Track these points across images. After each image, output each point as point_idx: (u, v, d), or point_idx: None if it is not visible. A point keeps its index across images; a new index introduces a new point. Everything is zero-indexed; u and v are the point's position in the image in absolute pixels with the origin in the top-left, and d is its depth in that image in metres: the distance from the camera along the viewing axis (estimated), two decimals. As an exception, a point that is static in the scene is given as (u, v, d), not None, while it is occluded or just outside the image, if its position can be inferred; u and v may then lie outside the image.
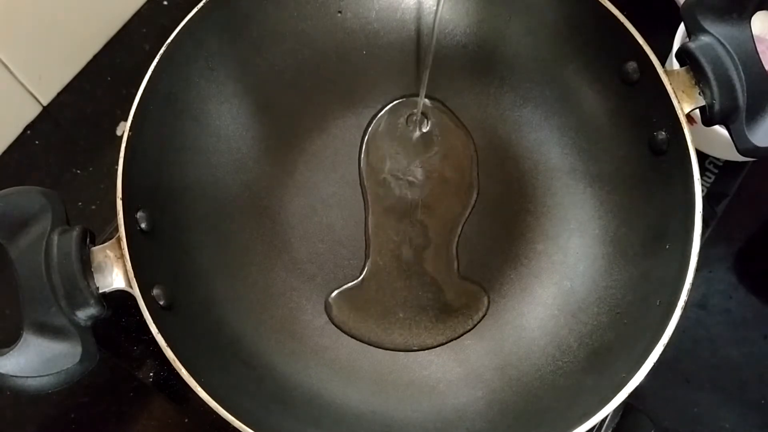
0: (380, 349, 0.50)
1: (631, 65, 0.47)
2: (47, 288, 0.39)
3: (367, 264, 0.51)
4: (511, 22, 0.52)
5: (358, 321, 0.50)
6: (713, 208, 0.57)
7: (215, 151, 0.50)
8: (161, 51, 0.46)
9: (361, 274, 0.51)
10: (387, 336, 0.50)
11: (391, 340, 0.50)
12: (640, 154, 0.47)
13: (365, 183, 0.53)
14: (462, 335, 0.50)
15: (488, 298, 0.51)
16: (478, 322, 0.50)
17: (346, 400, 0.47)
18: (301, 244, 0.51)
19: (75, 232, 0.40)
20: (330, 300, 0.50)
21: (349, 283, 0.51)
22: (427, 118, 0.54)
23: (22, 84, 0.57)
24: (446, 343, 0.49)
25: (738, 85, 0.43)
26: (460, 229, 0.52)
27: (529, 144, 0.53)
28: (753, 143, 0.44)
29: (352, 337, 0.50)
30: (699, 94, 0.44)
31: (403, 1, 0.53)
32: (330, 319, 0.50)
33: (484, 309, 0.50)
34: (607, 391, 0.41)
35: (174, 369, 0.39)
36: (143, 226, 0.43)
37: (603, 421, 0.41)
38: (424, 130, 0.54)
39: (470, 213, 0.52)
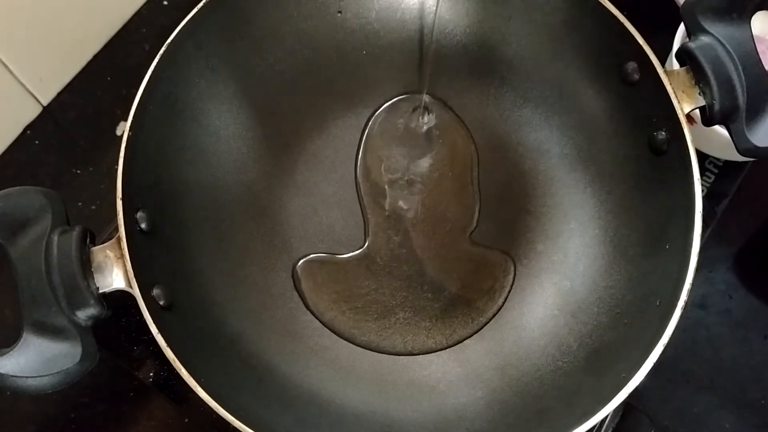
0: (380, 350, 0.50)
1: (631, 65, 0.46)
2: (47, 288, 0.39)
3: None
4: (511, 22, 0.52)
5: (358, 322, 0.50)
6: (713, 208, 0.57)
7: (215, 151, 0.50)
8: (161, 51, 0.46)
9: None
10: (387, 337, 0.50)
11: (391, 341, 0.50)
12: (640, 154, 0.47)
13: (365, 183, 0.53)
14: (466, 339, 0.50)
15: (491, 299, 0.51)
16: (484, 326, 0.50)
17: (346, 400, 0.47)
18: (301, 244, 0.51)
19: (75, 232, 0.40)
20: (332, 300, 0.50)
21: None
22: (428, 111, 0.54)
23: (22, 84, 0.57)
24: (448, 347, 0.49)
25: (738, 85, 0.43)
26: (459, 228, 0.52)
27: (529, 144, 0.53)
28: (753, 143, 0.44)
29: (352, 343, 0.50)
30: (699, 94, 0.44)
31: (403, 1, 0.53)
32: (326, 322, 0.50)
33: (486, 309, 0.50)
34: (607, 391, 0.41)
35: (174, 369, 0.39)
36: (143, 226, 0.43)
37: (603, 421, 0.41)
38: (425, 126, 0.54)
39: (472, 213, 0.52)
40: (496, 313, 0.50)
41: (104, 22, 0.62)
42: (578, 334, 0.47)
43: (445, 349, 0.49)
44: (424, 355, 0.49)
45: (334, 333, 0.50)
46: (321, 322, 0.50)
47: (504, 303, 0.50)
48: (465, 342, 0.50)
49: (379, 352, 0.49)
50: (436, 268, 0.51)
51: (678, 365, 0.55)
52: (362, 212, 0.52)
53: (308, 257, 0.51)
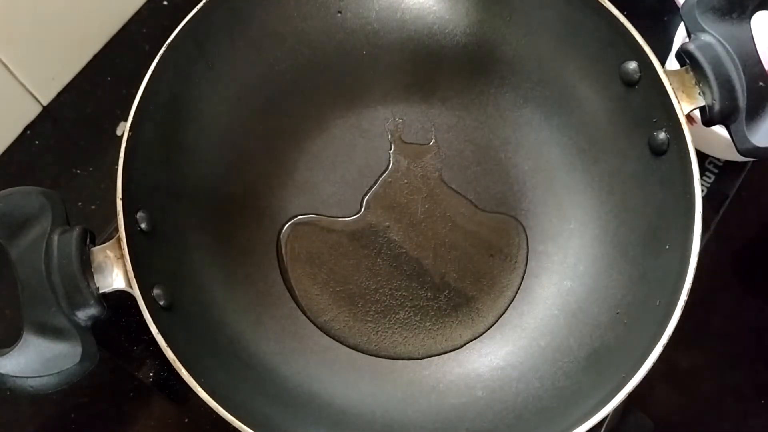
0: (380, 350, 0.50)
1: (631, 65, 0.47)
2: (47, 288, 0.39)
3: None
4: (511, 22, 0.52)
5: (357, 322, 0.50)
6: (713, 208, 0.57)
7: (215, 151, 0.50)
8: (161, 51, 0.46)
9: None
10: (387, 338, 0.50)
11: (392, 341, 0.50)
12: (640, 154, 0.47)
13: (365, 183, 0.53)
14: (467, 339, 0.50)
15: (490, 299, 0.51)
16: (487, 328, 0.50)
17: (346, 400, 0.47)
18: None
19: (75, 233, 0.40)
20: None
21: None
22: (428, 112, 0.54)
23: (22, 84, 0.57)
24: (452, 350, 0.49)
25: (738, 85, 0.43)
26: (460, 228, 0.52)
27: (529, 144, 0.53)
28: (753, 143, 0.44)
29: (349, 345, 0.50)
30: (699, 94, 0.44)
31: (403, 1, 0.53)
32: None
33: (486, 311, 0.50)
34: (607, 391, 0.41)
35: (174, 369, 0.39)
36: (143, 226, 0.43)
37: (603, 421, 0.41)
38: (425, 128, 0.54)
39: (472, 213, 0.52)
40: (500, 314, 0.50)
41: (104, 22, 0.62)
42: (578, 334, 0.47)
43: (448, 352, 0.49)
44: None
45: (333, 336, 0.49)
46: (316, 324, 0.50)
47: (509, 304, 0.50)
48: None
49: (378, 356, 0.49)
50: (437, 268, 0.51)
51: (678, 365, 0.55)
52: (362, 212, 0.52)
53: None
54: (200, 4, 0.47)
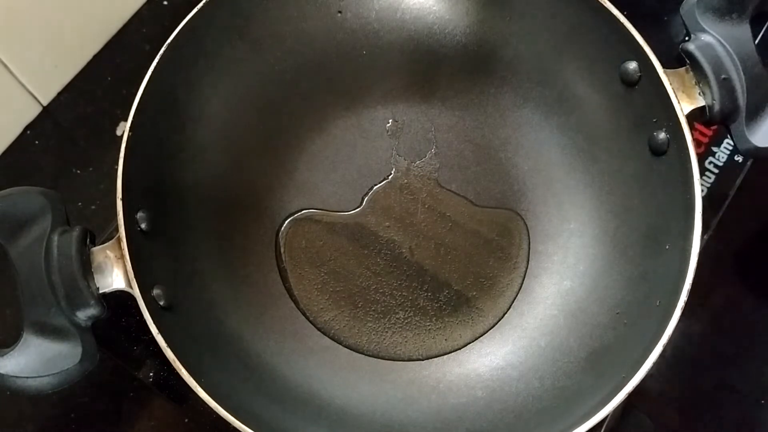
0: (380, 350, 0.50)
1: (631, 65, 0.47)
2: (47, 288, 0.39)
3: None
4: (511, 22, 0.52)
5: (358, 322, 0.50)
6: (713, 208, 0.57)
7: (215, 151, 0.50)
8: (161, 51, 0.46)
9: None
10: (387, 338, 0.50)
11: (392, 341, 0.50)
12: (640, 154, 0.47)
13: (365, 184, 0.53)
14: (467, 340, 0.50)
15: (490, 300, 0.51)
16: (488, 329, 0.50)
17: (346, 400, 0.47)
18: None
19: (75, 233, 0.40)
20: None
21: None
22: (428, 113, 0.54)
23: (22, 84, 0.57)
24: (452, 351, 0.49)
25: (738, 85, 0.43)
26: (460, 227, 0.52)
27: (529, 144, 0.53)
28: (753, 143, 0.44)
29: (353, 349, 0.50)
30: (699, 94, 0.45)
31: (403, 1, 0.53)
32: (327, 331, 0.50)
33: (486, 311, 0.50)
34: (607, 391, 0.41)
35: (174, 369, 0.39)
36: (143, 226, 0.43)
37: (603, 421, 0.41)
38: (424, 128, 0.54)
39: (471, 212, 0.52)
40: (500, 314, 0.50)
41: (104, 22, 0.62)
42: (578, 334, 0.47)
43: (448, 352, 0.49)
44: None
45: (333, 336, 0.49)
46: (316, 324, 0.50)
47: (510, 304, 0.50)
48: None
49: (378, 357, 0.49)
50: (437, 268, 0.51)
51: (678, 365, 0.55)
52: (362, 212, 0.52)
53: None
54: (200, 4, 0.47)
